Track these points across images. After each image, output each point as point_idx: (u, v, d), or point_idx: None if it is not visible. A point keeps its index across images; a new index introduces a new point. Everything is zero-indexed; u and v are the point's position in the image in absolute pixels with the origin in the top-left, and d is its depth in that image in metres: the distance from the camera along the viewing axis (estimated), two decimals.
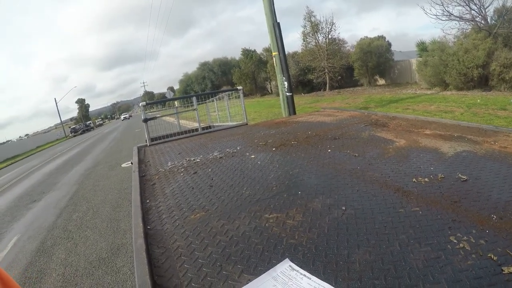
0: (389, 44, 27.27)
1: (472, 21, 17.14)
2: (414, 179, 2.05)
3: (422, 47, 21.81)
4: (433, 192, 1.84)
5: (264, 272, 1.32)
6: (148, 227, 1.90)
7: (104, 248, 5.44)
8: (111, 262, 4.91)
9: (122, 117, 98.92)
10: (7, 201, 11.43)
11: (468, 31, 17.17)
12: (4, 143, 60.76)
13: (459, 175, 2.02)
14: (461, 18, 17.22)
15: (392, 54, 26.84)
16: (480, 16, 16.98)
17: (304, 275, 1.26)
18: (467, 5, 16.81)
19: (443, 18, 17.64)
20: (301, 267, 1.31)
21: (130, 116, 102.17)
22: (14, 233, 7.46)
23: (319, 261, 1.34)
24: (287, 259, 1.38)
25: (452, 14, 17.32)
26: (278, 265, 1.35)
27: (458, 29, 17.77)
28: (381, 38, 27.90)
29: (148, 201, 2.40)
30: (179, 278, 1.37)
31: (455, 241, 1.35)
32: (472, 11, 16.92)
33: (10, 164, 27.65)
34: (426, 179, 2.03)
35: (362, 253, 1.35)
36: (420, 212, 1.62)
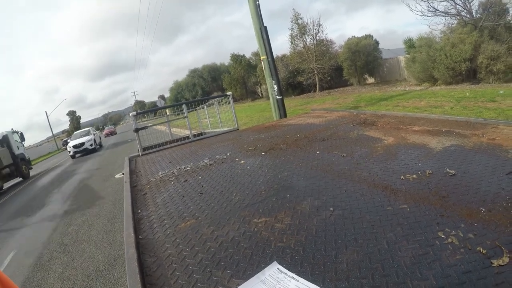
0: (377, 43, 27.54)
1: (457, 15, 17.26)
2: (402, 177, 2.06)
3: (410, 44, 21.95)
4: (421, 189, 1.85)
5: (252, 276, 1.33)
6: (140, 236, 1.92)
7: (101, 260, 5.44)
8: (108, 274, 4.91)
9: (86, 139, 28.81)
10: (1, 217, 11.39)
11: (454, 25, 17.28)
12: None
13: (447, 169, 2.04)
14: (446, 13, 17.36)
15: (380, 52, 26.97)
16: (465, 10, 17.14)
17: (292, 277, 1.28)
18: (452, 0, 16.92)
19: (429, 14, 17.79)
20: (289, 269, 1.32)
21: (110, 132, 55.49)
22: (11, 248, 7.43)
23: (307, 263, 1.35)
24: (275, 262, 1.39)
25: (438, 10, 17.48)
26: (266, 268, 1.36)
27: (444, 24, 17.91)
28: (368, 37, 28.15)
29: (139, 211, 2.41)
30: (171, 285, 1.38)
31: (443, 236, 1.35)
32: (457, 6, 17.07)
33: None
34: (414, 176, 2.04)
35: (349, 253, 1.36)
36: (408, 209, 1.63)
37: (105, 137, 50.94)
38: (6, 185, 18.33)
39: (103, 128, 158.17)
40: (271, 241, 1.57)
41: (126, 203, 2.55)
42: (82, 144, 27.56)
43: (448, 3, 17.05)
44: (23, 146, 21.99)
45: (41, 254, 6.49)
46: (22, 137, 21.89)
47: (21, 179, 19.80)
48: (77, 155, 27.35)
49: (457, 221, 1.45)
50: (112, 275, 4.84)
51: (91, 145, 28.21)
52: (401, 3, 21.32)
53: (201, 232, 1.82)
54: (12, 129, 20.92)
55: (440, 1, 17.22)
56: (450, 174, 1.97)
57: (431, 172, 2.06)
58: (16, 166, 18.81)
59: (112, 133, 55.95)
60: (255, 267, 1.39)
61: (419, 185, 1.90)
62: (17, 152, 19.44)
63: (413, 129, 3.27)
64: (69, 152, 27.49)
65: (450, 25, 17.63)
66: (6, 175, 17.58)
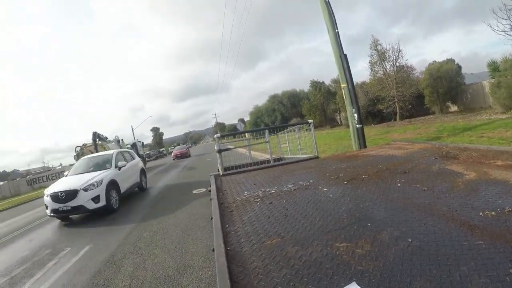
0: (459, 67, 26.00)
1: None
2: (481, 213, 2.07)
3: (494, 67, 20.26)
4: (499, 226, 1.87)
5: None
6: (228, 248, 2.09)
7: (171, 267, 5.65)
8: (176, 281, 5.11)
9: (88, 179, 10.30)
10: (82, 216, 12.15)
11: None
12: None
13: None
14: None
15: (463, 77, 25.49)
16: None
17: None
18: None
19: None
20: None
21: (180, 155, 43.34)
22: (87, 243, 7.99)
23: (383, 287, 1.47)
24: (354, 282, 1.51)
25: None
26: (346, 287, 1.50)
27: None
28: (450, 61, 26.73)
29: (227, 226, 2.61)
30: None
31: None
32: None
33: None
34: (493, 213, 2.04)
35: (423, 282, 1.45)
36: (484, 245, 1.68)
37: (173, 159, 42.05)
38: None
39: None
40: (351, 264, 1.69)
41: (215, 217, 2.77)
42: (72, 195, 10.04)
43: None
44: (143, 150, 40.48)
45: (115, 252, 6.92)
46: (142, 144, 44.72)
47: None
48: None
49: None
50: (180, 282, 5.03)
51: (97, 199, 10.24)
52: (481, 22, 19.91)
53: (286, 250, 1.97)
54: (137, 139, 42.10)
55: None
56: None
57: (510, 210, 2.05)
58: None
59: (184, 155, 42.87)
60: (335, 285, 1.52)
61: (497, 222, 1.92)
62: (140, 152, 34.37)
63: (496, 163, 3.20)
64: (47, 208, 10.56)
65: None
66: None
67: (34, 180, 37.36)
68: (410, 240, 1.88)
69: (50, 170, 44.76)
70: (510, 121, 14.03)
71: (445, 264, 1.58)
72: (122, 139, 32.11)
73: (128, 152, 15.71)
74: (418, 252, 1.73)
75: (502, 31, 16.60)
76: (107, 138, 28.72)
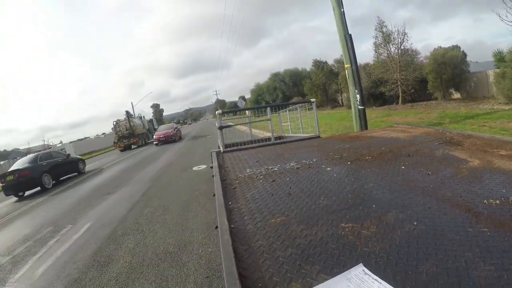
0: (465, 55, 25.86)
1: None
2: (485, 201, 2.07)
3: (499, 57, 20.15)
4: (503, 215, 1.87)
5: (339, 274, 1.46)
6: (232, 225, 2.08)
7: (172, 243, 5.75)
8: (177, 257, 5.19)
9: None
10: (85, 191, 12.34)
11: None
12: (83, 139, 63.77)
13: None
14: None
15: (467, 65, 25.40)
16: None
17: (376, 280, 1.39)
18: None
19: None
20: (373, 272, 1.44)
21: (165, 137, 32.52)
22: (88, 219, 8.19)
23: (390, 269, 1.46)
24: (361, 264, 1.51)
25: None
26: (353, 268, 1.48)
27: None
28: (456, 48, 26.48)
29: (230, 203, 2.59)
30: (262, 272, 1.53)
31: None
32: None
33: (86, 159, 29.12)
34: (497, 201, 2.04)
35: (429, 266, 1.45)
36: (488, 233, 1.68)
37: (155, 144, 32.43)
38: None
39: (184, 123, 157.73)
40: (357, 245, 1.69)
41: (218, 194, 2.76)
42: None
43: None
44: (156, 125, 47.63)
45: (115, 229, 7.07)
46: (156, 121, 52.35)
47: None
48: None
49: None
50: (180, 258, 5.12)
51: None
52: (490, 11, 19.69)
53: (291, 229, 1.96)
54: (152, 118, 51.14)
55: None
56: None
57: None
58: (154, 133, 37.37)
59: (170, 139, 32.41)
60: (341, 266, 1.51)
61: (501, 211, 1.91)
62: (155, 126, 44.26)
63: (499, 153, 3.18)
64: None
65: None
66: (149, 135, 40.75)
67: None
68: (415, 223, 1.88)
69: (51, 148, 44.76)
70: None
71: (450, 249, 1.57)
72: (143, 116, 45.53)
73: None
74: (424, 236, 1.73)
75: (511, 21, 16.48)
76: (132, 115, 40.22)
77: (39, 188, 15.68)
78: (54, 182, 16.82)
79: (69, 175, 18.95)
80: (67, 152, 21.74)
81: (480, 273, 1.37)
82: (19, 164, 16.44)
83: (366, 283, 1.38)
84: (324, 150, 4.39)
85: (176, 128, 36.71)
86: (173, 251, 5.44)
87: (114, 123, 35.32)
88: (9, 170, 15.69)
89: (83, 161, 21.02)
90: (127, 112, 36.41)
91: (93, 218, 8.31)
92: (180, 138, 35.78)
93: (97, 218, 8.20)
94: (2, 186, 15.71)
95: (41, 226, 8.52)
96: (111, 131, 39.37)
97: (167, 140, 31.93)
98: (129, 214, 8.10)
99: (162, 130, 34.77)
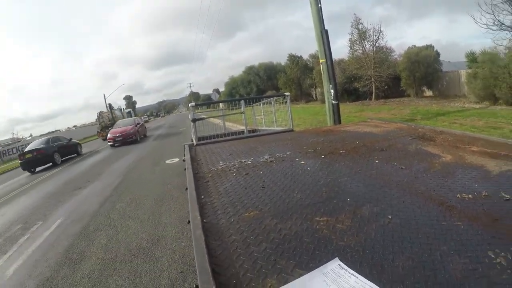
0: (438, 54, 26.56)
1: None
2: (458, 195, 2.08)
3: (472, 58, 20.81)
4: (476, 209, 1.88)
5: (315, 269, 1.43)
6: (204, 220, 2.01)
7: (145, 238, 5.68)
8: (150, 252, 5.13)
9: None
10: (54, 187, 12.06)
11: None
12: (53, 131, 62.96)
13: (503, 194, 2.03)
14: None
15: (440, 64, 26.05)
16: None
17: (352, 274, 1.37)
18: None
19: (494, 28, 16.91)
20: (349, 266, 1.41)
21: (123, 136, 24.65)
22: (58, 215, 7.98)
23: (366, 263, 1.44)
24: (337, 258, 1.48)
25: (503, 24, 16.63)
26: (329, 263, 1.45)
27: (510, 40, 17.00)
28: (429, 47, 27.23)
29: (203, 197, 2.52)
30: (236, 268, 1.49)
31: (492, 256, 1.41)
32: None
33: None
34: (470, 196, 2.06)
35: (405, 259, 1.44)
36: (462, 227, 1.68)
37: (109, 144, 25.11)
38: None
39: (157, 115, 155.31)
40: (333, 239, 1.66)
41: (190, 188, 2.68)
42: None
43: None
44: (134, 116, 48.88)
45: (87, 224, 6.93)
46: (134, 113, 60.11)
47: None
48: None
49: (507, 243, 1.49)
50: (154, 254, 5.07)
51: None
52: (465, 14, 20.26)
53: (265, 223, 1.92)
54: (130, 110, 53.40)
55: (507, 15, 16.35)
56: (505, 199, 1.98)
57: (486, 194, 2.06)
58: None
59: (128, 138, 25.03)
60: (317, 261, 1.48)
61: (474, 205, 1.93)
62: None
63: (471, 149, 3.22)
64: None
65: None
66: None
67: (4, 152, 36.40)
68: (390, 217, 1.87)
69: (20, 141, 44.37)
70: (483, 111, 14.41)
71: (425, 242, 1.57)
72: (123, 108, 51.34)
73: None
74: (399, 229, 1.72)
75: (485, 24, 17.05)
76: (113, 108, 43.55)
77: (51, 164, 19.86)
78: (62, 159, 21.13)
79: (71, 156, 23.14)
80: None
81: (455, 266, 1.38)
82: (35, 145, 20.55)
83: (342, 277, 1.36)
84: (298, 144, 4.36)
85: (139, 123, 29.32)
86: (146, 246, 5.38)
87: (98, 114, 36.80)
88: (26, 150, 19.90)
89: (80, 145, 25.65)
90: (109, 104, 41.95)
91: (64, 214, 8.11)
92: (145, 136, 29.62)
93: (68, 214, 8.00)
94: (20, 163, 19.45)
95: (11, 223, 8.26)
96: (84, 123, 40.34)
97: (125, 139, 24.60)
98: (101, 209, 7.94)
99: (119, 127, 26.85)
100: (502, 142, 3.42)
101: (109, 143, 24.99)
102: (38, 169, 19.37)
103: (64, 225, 7.21)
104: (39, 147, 19.88)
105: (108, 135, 25.65)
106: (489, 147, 3.22)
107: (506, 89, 15.21)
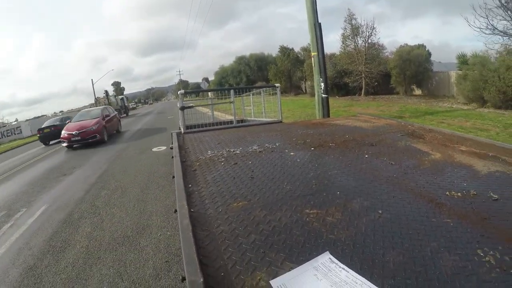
0: (429, 54, 26.68)
1: None
2: (447, 192, 2.09)
3: (463, 60, 21.09)
4: (465, 207, 1.88)
5: (305, 262, 1.41)
6: (192, 210, 1.98)
7: (129, 227, 5.64)
8: (135, 241, 5.09)
9: None
10: (38, 173, 11.87)
11: (511, 47, 16.69)
12: (39, 117, 62.14)
13: (491, 193, 2.04)
14: (505, 33, 16.56)
15: (431, 64, 26.17)
16: None
17: (343, 268, 1.35)
18: None
19: (487, 32, 16.96)
20: (340, 260, 1.40)
21: (86, 132, 16.68)
22: (43, 202, 7.84)
23: (357, 257, 1.43)
24: (327, 252, 1.46)
25: (496, 29, 16.67)
26: (319, 256, 1.44)
27: (502, 44, 17.16)
28: (421, 46, 27.42)
29: (190, 185, 2.49)
30: (224, 260, 1.46)
31: (481, 254, 1.41)
32: None
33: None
34: (459, 194, 2.06)
35: (396, 255, 1.43)
36: (452, 224, 1.68)
37: (63, 145, 17.54)
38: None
39: (145, 103, 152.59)
40: (323, 232, 1.64)
41: (177, 176, 2.63)
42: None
43: (508, 23, 16.22)
44: (126, 102, 52.92)
45: (72, 212, 6.81)
46: (127, 99, 56.28)
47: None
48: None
49: (495, 242, 1.50)
50: (139, 242, 5.03)
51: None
52: (459, 16, 20.49)
53: (254, 214, 1.90)
54: (123, 96, 53.25)
55: (500, 20, 16.39)
56: (493, 198, 1.99)
57: (475, 193, 2.07)
58: (125, 109, 47.29)
59: (89, 136, 17.04)
60: (307, 254, 1.47)
61: (463, 204, 1.93)
62: (126, 104, 49.21)
63: (460, 148, 3.23)
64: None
65: (508, 46, 16.92)
66: (121, 111, 43.07)
67: None
68: (380, 211, 1.86)
69: (5, 126, 43.56)
70: (470, 113, 14.53)
71: (416, 238, 1.57)
72: (116, 95, 52.67)
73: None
74: (389, 225, 1.71)
75: (478, 27, 17.04)
76: (109, 94, 47.11)
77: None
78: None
79: None
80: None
81: (445, 262, 1.38)
82: (51, 122, 24.27)
83: (333, 271, 1.35)
84: (287, 135, 4.34)
85: (108, 116, 20.52)
86: (131, 235, 5.33)
87: (95, 99, 43.02)
88: (44, 126, 23.11)
89: None
90: (106, 91, 46.29)
91: (49, 201, 7.97)
92: (118, 132, 22.33)
93: (52, 201, 7.86)
94: (39, 136, 23.21)
95: None
96: (71, 109, 41.79)
97: (85, 139, 16.93)
98: (86, 196, 7.84)
99: (76, 121, 18.96)
100: (490, 143, 3.42)
101: (63, 144, 17.39)
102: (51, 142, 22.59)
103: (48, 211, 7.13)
104: (55, 123, 23.17)
105: (62, 132, 17.62)
106: (477, 147, 3.23)
107: (495, 93, 15.31)
